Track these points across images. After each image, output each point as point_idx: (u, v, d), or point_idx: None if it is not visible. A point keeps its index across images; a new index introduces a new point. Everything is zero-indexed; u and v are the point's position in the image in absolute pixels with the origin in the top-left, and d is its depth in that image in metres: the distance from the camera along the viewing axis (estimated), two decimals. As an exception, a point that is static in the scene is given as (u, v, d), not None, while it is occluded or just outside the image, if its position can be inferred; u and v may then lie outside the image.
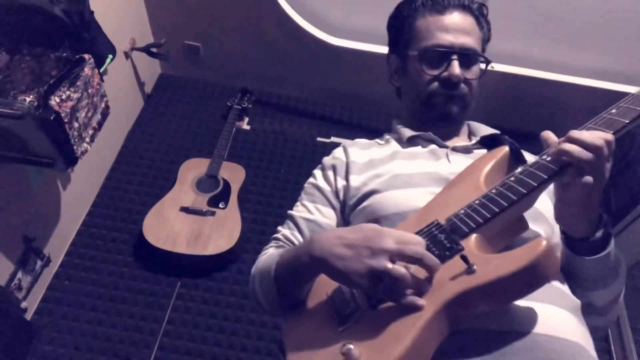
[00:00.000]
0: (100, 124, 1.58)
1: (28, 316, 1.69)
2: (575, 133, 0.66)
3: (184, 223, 1.84)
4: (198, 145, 2.24)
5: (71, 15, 1.37)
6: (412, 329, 0.60)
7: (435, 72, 0.94)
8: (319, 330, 0.70)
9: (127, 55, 2.09)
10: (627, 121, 0.67)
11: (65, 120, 1.35)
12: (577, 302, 0.75)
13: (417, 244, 0.64)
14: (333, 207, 0.93)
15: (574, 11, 1.99)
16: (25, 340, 1.52)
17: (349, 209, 0.90)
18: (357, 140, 1.03)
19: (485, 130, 1.00)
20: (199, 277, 1.85)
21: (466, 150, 0.95)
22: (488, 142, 0.93)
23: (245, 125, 2.35)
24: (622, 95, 0.71)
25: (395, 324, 0.62)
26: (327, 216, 0.92)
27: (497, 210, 0.67)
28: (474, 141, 0.97)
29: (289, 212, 0.95)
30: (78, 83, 1.40)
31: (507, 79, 2.18)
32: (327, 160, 1.00)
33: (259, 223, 2.02)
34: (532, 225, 0.77)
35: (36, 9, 1.29)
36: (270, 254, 0.87)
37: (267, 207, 2.08)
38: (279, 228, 0.96)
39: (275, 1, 2.09)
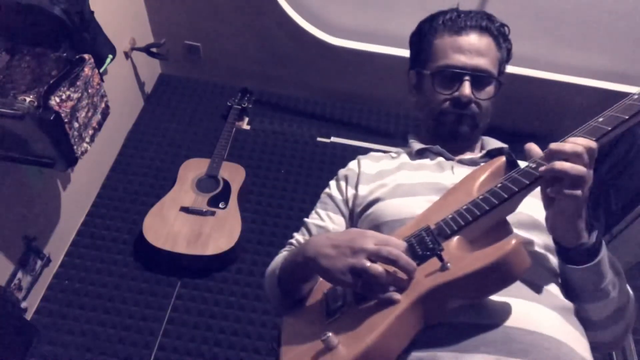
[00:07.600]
0: (100, 124, 1.58)
1: (28, 316, 1.69)
2: (554, 145, 0.67)
3: (184, 223, 1.84)
4: (198, 145, 2.24)
5: (71, 15, 1.37)
6: (386, 319, 0.65)
7: (447, 92, 0.96)
8: (310, 323, 0.77)
9: (127, 55, 2.09)
10: (609, 128, 0.69)
11: (65, 120, 1.35)
12: (566, 303, 0.76)
13: (395, 246, 0.69)
14: (343, 215, 0.98)
15: (574, 11, 1.99)
16: (25, 340, 1.52)
17: (357, 215, 0.95)
18: (372, 153, 1.08)
19: (495, 144, 1.02)
20: (199, 277, 1.85)
21: (472, 162, 0.96)
22: (495, 155, 0.93)
23: (245, 125, 2.35)
24: (622, 95, 0.72)
25: (373, 316, 0.67)
26: (336, 223, 0.97)
27: (478, 213, 0.71)
28: (480, 154, 0.99)
29: (305, 219, 1.01)
30: (78, 83, 1.40)
31: (508, 79, 2.17)
32: (341, 171, 1.05)
33: (259, 223, 2.02)
34: (528, 234, 0.80)
35: (36, 9, 1.29)
36: (279, 256, 0.94)
37: (267, 207, 2.07)
38: (294, 234, 1.01)
39: (275, 1, 2.09)
